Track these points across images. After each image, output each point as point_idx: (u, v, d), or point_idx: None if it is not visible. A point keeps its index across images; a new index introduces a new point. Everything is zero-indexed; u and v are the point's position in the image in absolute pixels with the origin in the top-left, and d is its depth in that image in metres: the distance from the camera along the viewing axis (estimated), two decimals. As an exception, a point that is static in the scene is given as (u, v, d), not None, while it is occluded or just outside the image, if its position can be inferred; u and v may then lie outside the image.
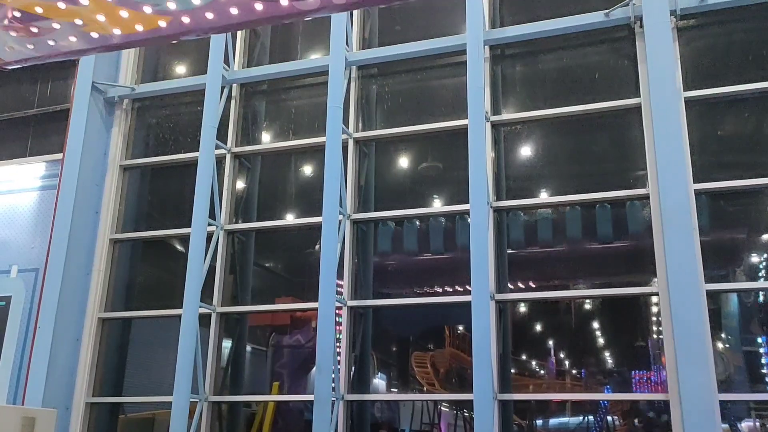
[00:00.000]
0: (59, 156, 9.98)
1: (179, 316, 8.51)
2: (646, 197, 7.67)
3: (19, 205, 10.32)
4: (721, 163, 7.92)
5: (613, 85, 8.42)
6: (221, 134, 9.51)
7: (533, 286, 8.61)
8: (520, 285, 8.55)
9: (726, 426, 7.27)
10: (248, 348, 9.88)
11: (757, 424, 7.73)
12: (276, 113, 10.28)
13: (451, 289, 8.94)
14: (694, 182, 7.49)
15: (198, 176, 8.91)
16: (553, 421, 11.29)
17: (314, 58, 9.84)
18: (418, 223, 8.94)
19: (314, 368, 8.26)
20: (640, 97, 7.96)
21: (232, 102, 9.96)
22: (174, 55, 11.02)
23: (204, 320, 8.92)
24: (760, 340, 7.66)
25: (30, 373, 8.87)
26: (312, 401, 7.82)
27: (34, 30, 4.01)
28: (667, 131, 7.50)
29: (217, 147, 9.31)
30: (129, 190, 10.30)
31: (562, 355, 10.52)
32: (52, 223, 9.53)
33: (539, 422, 10.79)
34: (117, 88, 10.37)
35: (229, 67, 9.81)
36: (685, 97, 7.77)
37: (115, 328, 9.77)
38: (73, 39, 4.05)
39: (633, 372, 9.24)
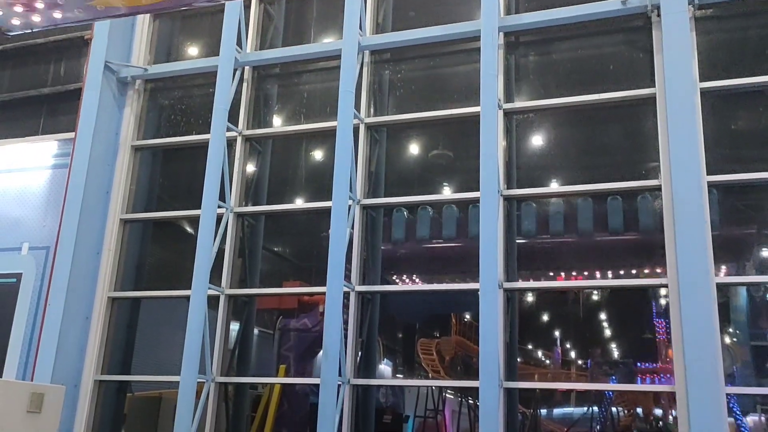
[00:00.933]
0: (71, 135, 10.01)
1: (188, 297, 8.56)
2: (658, 188, 7.62)
3: (31, 184, 10.37)
4: (735, 157, 7.85)
5: (628, 74, 8.35)
6: (233, 117, 9.50)
7: (542, 276, 8.60)
8: (529, 274, 8.54)
9: (731, 420, 7.27)
10: (255, 331, 9.93)
11: (763, 418, 7.73)
12: (288, 97, 10.26)
13: (459, 277, 8.95)
14: (708, 174, 7.42)
15: (209, 158, 8.92)
16: (557, 411, 11.33)
17: (327, 42, 9.81)
18: (429, 209, 8.93)
19: (321, 352, 8.30)
20: (655, 87, 7.89)
21: (244, 84, 9.95)
22: (187, 37, 11.01)
23: (212, 302, 8.97)
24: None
25: (39, 350, 8.95)
26: (318, 385, 7.86)
27: (39, 5, 4.01)
28: (681, 122, 7.44)
29: (228, 129, 9.32)
30: (140, 170, 10.33)
31: (568, 346, 10.52)
32: (63, 202, 9.58)
33: (544, 411, 10.82)
34: (130, 69, 10.37)
35: (241, 49, 9.79)
36: (701, 88, 7.70)
37: (124, 308, 9.85)
38: (78, 12, 4.05)
39: (639, 363, 9.25)
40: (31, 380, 8.67)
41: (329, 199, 8.32)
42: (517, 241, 8.36)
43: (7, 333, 9.24)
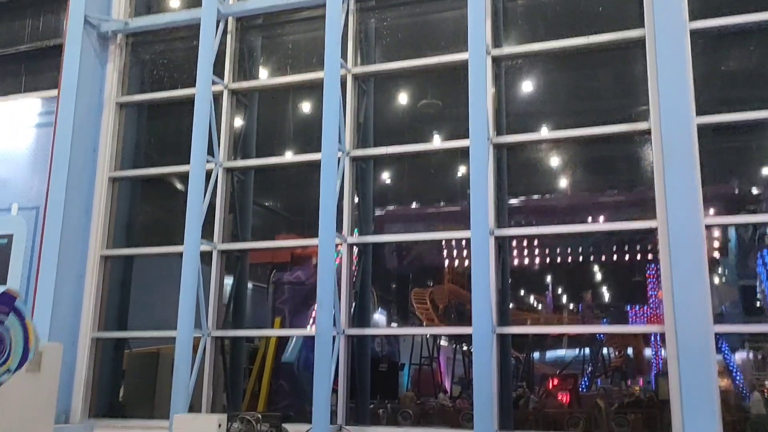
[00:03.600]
0: (54, 92, 9.84)
1: (180, 254, 8.56)
2: (648, 132, 7.60)
3: (17, 143, 10.24)
4: (725, 98, 7.81)
5: (617, 16, 8.22)
6: (218, 70, 9.35)
7: (533, 222, 8.64)
8: (520, 221, 8.58)
9: (719, 357, 7.43)
10: (249, 285, 9.99)
11: (750, 355, 7.90)
12: (273, 48, 10.09)
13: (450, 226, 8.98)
14: (697, 116, 7.40)
15: (195, 113, 8.81)
16: (550, 354, 11.54)
17: (311, -9, 9.59)
18: (417, 160, 8.89)
19: (315, 304, 8.37)
20: (644, 28, 7.79)
21: (228, 36, 9.76)
22: (167, -12, 10.74)
23: (205, 258, 8.98)
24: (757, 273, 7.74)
25: (35, 310, 8.98)
26: (313, 336, 7.95)
27: None
28: (671, 63, 7.37)
29: (214, 83, 9.18)
30: (126, 127, 10.20)
31: (559, 291, 10.64)
32: (50, 161, 9.48)
33: (537, 355, 11.01)
34: (110, 23, 10.14)
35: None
36: (690, 29, 7.60)
37: (117, 266, 9.86)
38: None
39: (629, 306, 9.39)
40: (28, 339, 8.70)
41: (318, 151, 8.27)
42: (507, 188, 8.37)
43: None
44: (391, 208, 9.68)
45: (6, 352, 5.45)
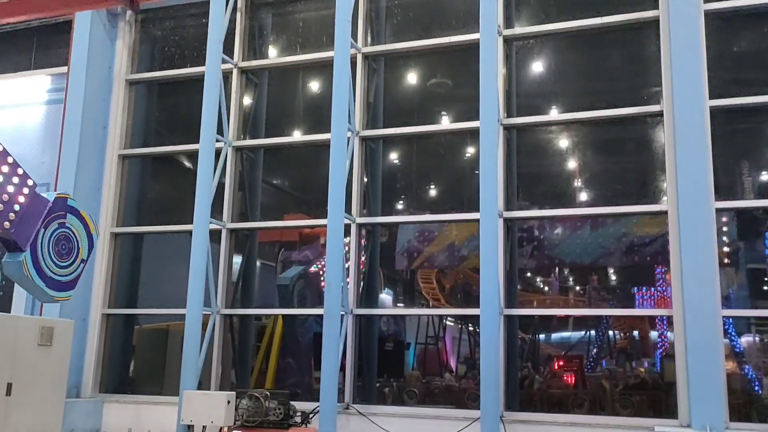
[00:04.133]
0: (64, 69, 9.83)
1: (190, 232, 8.61)
2: (660, 114, 7.56)
3: (27, 120, 10.25)
4: (738, 80, 7.75)
5: (630, -3, 8.15)
6: (227, 48, 9.32)
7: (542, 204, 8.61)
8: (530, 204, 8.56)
9: (726, 341, 7.44)
10: (258, 263, 10.03)
11: (757, 338, 7.91)
12: (282, 27, 10.03)
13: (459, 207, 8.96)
14: (710, 98, 7.35)
15: (205, 91, 8.80)
16: (555, 336, 11.58)
17: (322, -31, 9.52)
18: (427, 140, 8.87)
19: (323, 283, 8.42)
20: (658, 9, 7.71)
21: (238, 14, 9.71)
22: (176, -35, 10.66)
23: (214, 236, 9.03)
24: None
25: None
26: (321, 315, 8.01)
27: None
28: (685, 45, 7.31)
29: (224, 62, 9.15)
30: (136, 105, 10.21)
31: (566, 272, 10.63)
32: (60, 138, 9.50)
33: (542, 336, 11.05)
34: (119, -1, 10.10)
35: (233, -23, 9.51)
36: (705, 10, 7.52)
37: (127, 243, 9.93)
38: None
39: (635, 288, 9.38)
40: (40, 315, 8.82)
41: (328, 130, 8.26)
42: (517, 169, 8.34)
43: (12, 270, 9.32)
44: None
45: (76, 247, 6.46)
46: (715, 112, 7.35)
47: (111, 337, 9.60)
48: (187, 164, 10.02)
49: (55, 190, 9.23)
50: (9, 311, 8.97)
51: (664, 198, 7.49)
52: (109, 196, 9.72)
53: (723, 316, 6.97)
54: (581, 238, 8.57)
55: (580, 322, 10.51)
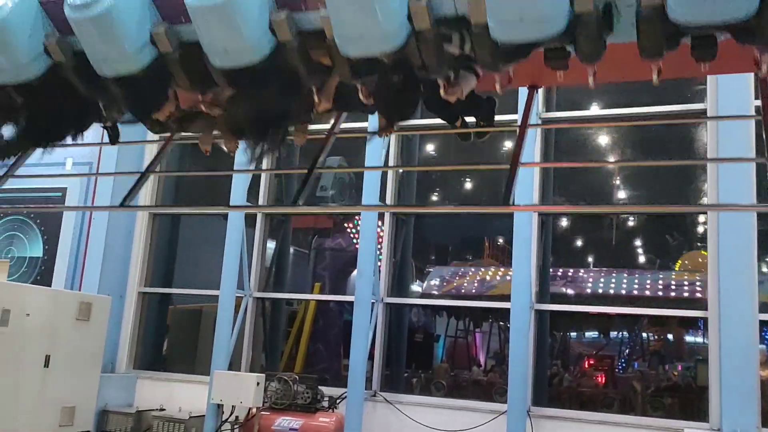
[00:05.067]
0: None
1: (226, 215, 8.73)
2: (704, 112, 7.39)
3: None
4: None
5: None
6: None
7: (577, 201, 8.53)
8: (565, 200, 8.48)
9: (763, 347, 7.29)
10: (291, 250, 10.14)
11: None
12: None
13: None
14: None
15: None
16: (588, 335, 11.46)
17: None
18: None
19: (355, 271, 8.46)
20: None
21: None
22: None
23: (249, 221, 9.14)
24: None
25: (86, 262, 9.31)
26: (352, 302, 8.06)
27: None
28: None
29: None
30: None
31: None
32: (103, 120, 9.67)
33: (574, 335, 10.95)
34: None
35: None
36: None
37: (165, 224, 10.11)
38: None
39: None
40: (79, 290, 9.05)
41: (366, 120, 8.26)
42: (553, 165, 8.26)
43: (55, 245, 9.59)
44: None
45: None
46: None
47: (146, 315, 9.80)
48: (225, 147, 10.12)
49: (97, 169, 9.46)
50: (50, 285, 9.23)
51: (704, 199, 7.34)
52: (149, 177, 9.88)
53: (760, 321, 6.80)
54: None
55: (614, 323, 10.39)
